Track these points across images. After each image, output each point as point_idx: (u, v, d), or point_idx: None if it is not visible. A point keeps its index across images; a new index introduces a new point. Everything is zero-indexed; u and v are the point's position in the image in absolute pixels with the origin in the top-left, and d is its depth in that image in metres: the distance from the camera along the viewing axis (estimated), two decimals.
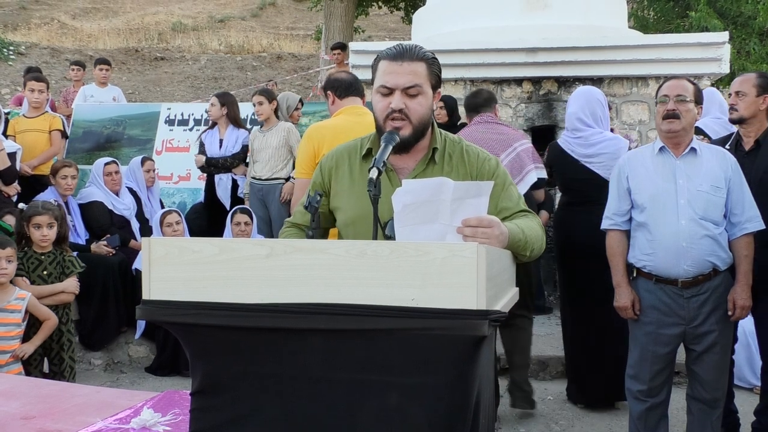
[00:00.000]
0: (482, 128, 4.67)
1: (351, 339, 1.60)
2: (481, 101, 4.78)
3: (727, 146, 3.87)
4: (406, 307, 1.55)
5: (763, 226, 3.40)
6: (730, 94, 3.94)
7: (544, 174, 4.64)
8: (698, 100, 3.41)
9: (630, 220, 3.53)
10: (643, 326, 3.49)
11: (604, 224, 3.62)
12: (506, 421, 4.46)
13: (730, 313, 3.39)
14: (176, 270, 1.68)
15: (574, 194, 4.50)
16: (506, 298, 1.81)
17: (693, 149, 3.39)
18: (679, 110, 3.34)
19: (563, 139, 4.53)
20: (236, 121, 6.70)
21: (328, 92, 4.09)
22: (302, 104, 7.32)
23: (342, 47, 10.33)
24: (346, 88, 4.07)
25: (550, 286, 7.12)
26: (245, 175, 6.56)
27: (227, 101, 6.71)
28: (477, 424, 1.68)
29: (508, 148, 4.62)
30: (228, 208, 6.42)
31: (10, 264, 4.20)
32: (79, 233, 5.93)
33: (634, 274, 3.51)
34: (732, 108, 3.87)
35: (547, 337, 5.68)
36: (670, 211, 3.34)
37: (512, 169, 4.50)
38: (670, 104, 3.36)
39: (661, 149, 3.45)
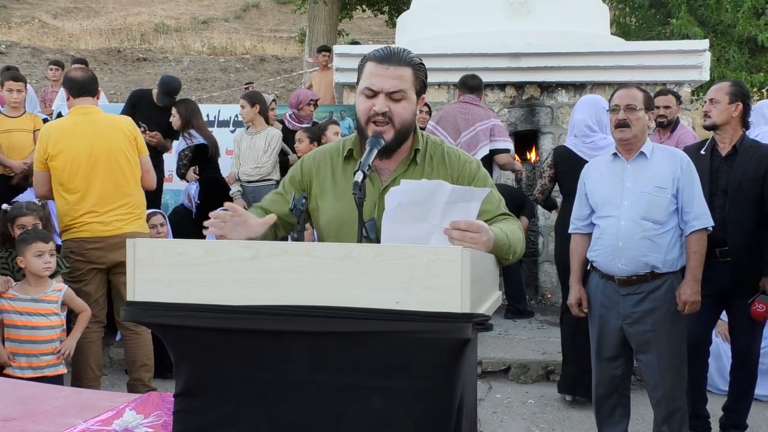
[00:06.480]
0: (458, 107, 6.02)
1: (336, 342, 1.61)
2: (473, 84, 6.11)
3: (702, 151, 3.98)
4: (391, 310, 1.55)
5: (711, 223, 3.54)
6: (705, 102, 4.03)
7: (499, 146, 5.82)
8: (648, 106, 3.58)
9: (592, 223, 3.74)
10: (593, 317, 3.74)
11: (569, 229, 3.85)
12: (487, 424, 4.48)
13: (679, 308, 3.51)
14: (161, 271, 1.67)
15: None
16: (490, 302, 1.83)
17: (642, 153, 3.55)
18: (630, 119, 3.52)
19: (570, 143, 4.65)
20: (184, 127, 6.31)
21: (65, 89, 4.50)
22: (275, 104, 7.46)
23: (327, 50, 10.35)
24: (79, 88, 4.42)
25: (531, 290, 7.15)
26: (195, 182, 6.34)
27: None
28: (460, 427, 1.69)
29: (470, 128, 5.84)
30: (193, 214, 6.36)
31: (52, 258, 4.22)
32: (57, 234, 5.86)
33: (588, 268, 3.75)
34: (706, 115, 4.00)
35: (528, 341, 5.70)
36: (614, 213, 3.54)
37: (468, 146, 5.71)
38: (621, 114, 3.53)
39: (614, 155, 3.65)
